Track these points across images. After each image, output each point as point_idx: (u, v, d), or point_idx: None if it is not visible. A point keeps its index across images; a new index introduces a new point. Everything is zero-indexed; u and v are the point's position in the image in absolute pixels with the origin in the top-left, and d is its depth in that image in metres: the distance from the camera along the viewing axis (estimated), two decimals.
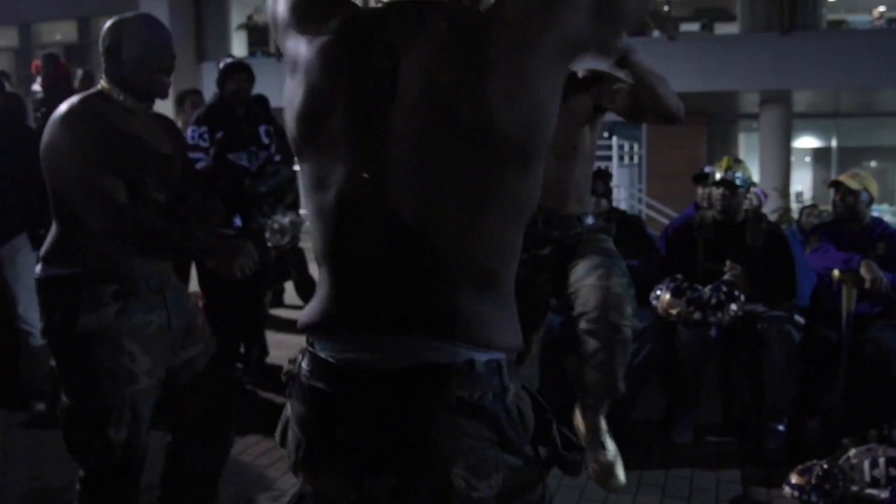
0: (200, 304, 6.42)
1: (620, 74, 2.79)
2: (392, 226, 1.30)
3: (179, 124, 5.91)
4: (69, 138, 2.55)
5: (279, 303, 7.53)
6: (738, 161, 4.53)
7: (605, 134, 13.02)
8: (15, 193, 4.51)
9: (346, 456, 1.33)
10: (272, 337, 5.77)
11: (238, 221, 5.01)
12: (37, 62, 6.29)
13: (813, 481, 3.47)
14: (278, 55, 16.10)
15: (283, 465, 4.03)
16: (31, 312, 4.79)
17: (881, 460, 3.45)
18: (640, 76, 2.76)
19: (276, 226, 4.89)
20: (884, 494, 3.36)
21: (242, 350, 5.44)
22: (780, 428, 4.17)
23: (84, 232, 2.59)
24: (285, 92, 1.42)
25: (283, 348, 5.66)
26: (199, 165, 4.89)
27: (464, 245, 1.29)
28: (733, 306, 4.06)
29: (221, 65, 5.02)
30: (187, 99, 6.02)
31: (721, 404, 4.60)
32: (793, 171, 15.95)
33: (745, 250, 4.37)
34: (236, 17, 18.49)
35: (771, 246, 4.41)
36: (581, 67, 2.87)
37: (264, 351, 5.54)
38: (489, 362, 1.32)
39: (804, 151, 18.89)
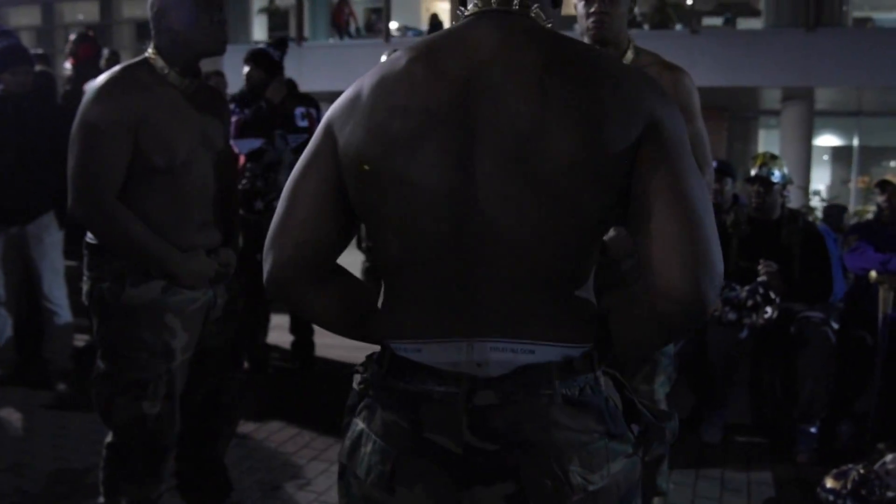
0: None
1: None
2: (480, 233, 1.28)
3: None
4: (86, 104, 2.52)
5: None
6: (774, 157, 4.48)
7: None
8: (43, 171, 4.48)
9: (448, 464, 1.30)
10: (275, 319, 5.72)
11: (259, 205, 5.01)
12: (70, 41, 6.24)
13: (848, 486, 3.42)
14: (299, 39, 16.11)
15: (307, 452, 4.02)
16: (55, 291, 4.77)
17: None
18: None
19: None
20: None
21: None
22: (812, 430, 4.12)
23: (138, 204, 2.55)
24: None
25: (282, 331, 5.60)
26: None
27: (549, 250, 1.28)
28: (768, 309, 4.01)
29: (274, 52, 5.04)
30: (209, 80, 5.99)
31: (750, 404, 4.55)
32: (812, 169, 15.84)
33: (779, 249, 4.31)
34: (258, 2, 18.45)
35: (807, 244, 4.34)
36: None
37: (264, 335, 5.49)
38: (583, 356, 1.33)
39: (823, 149, 18.74)
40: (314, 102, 5.15)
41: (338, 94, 1.47)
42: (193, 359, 2.75)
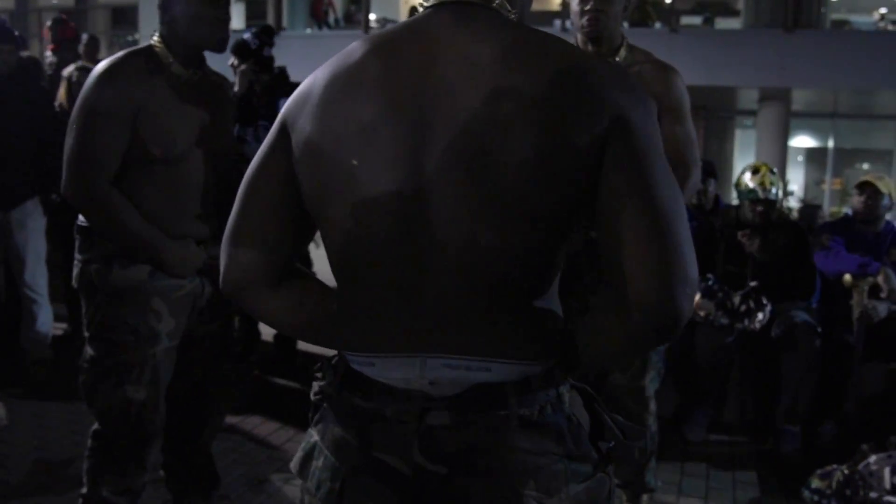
0: None
1: None
2: (429, 237, 1.20)
3: None
4: (87, 89, 2.50)
5: None
6: (773, 172, 4.46)
7: None
8: (27, 156, 4.40)
9: (397, 485, 1.24)
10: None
11: None
12: (47, 28, 6.15)
13: (833, 486, 3.45)
14: (276, 29, 15.96)
15: (293, 445, 3.99)
16: (38, 279, 4.71)
17: None
18: None
19: None
20: None
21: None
22: (796, 430, 4.15)
23: (132, 191, 2.53)
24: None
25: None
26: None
27: (504, 257, 1.19)
28: (760, 315, 4.04)
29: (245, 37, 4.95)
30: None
31: (734, 404, 4.57)
32: (787, 169, 15.98)
33: (768, 250, 4.33)
34: None
35: (792, 243, 4.36)
36: None
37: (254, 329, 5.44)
38: (543, 373, 1.25)
39: (798, 150, 18.92)
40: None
41: None
42: (181, 348, 2.72)
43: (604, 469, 1.31)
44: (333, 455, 1.29)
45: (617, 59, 2.80)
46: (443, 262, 1.20)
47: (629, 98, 1.20)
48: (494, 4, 1.29)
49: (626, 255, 1.16)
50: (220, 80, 2.81)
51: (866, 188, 4.47)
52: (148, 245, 2.55)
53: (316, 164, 1.26)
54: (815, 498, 3.46)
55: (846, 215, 5.06)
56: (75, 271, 2.66)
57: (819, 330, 4.28)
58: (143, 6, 15.24)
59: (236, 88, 4.96)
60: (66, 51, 5.87)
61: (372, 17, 17.10)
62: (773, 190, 4.35)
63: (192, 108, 2.60)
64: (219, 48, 2.64)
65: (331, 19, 18.50)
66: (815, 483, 3.50)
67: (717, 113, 17.40)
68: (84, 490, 2.70)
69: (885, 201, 4.46)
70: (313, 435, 1.35)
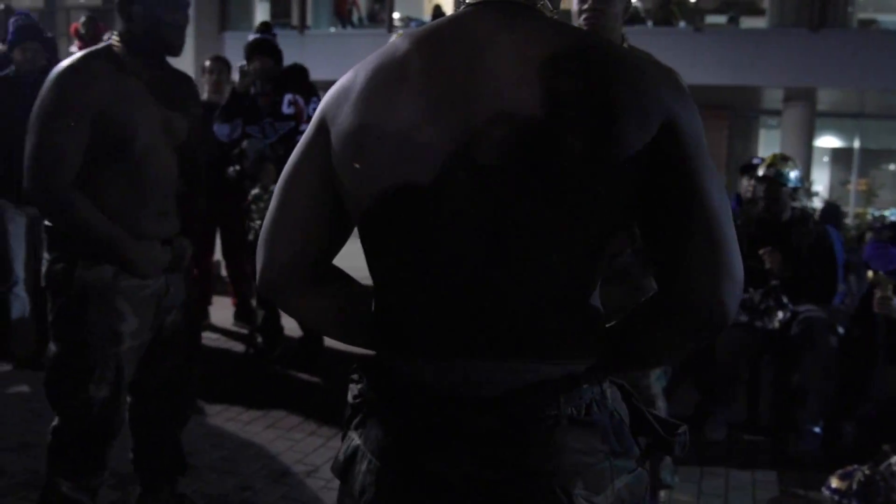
0: (224, 271, 6.48)
1: None
2: (478, 236, 1.19)
3: (205, 90, 5.91)
4: (46, 89, 2.52)
5: None
6: (784, 158, 4.48)
7: None
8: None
9: (442, 491, 1.22)
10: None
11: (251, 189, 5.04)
12: (76, 25, 6.22)
13: (854, 486, 3.44)
14: (301, 27, 16.06)
15: (314, 439, 4.04)
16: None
17: None
18: None
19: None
20: None
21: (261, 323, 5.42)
22: (816, 430, 4.14)
23: (95, 190, 2.54)
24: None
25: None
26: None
27: (555, 255, 1.20)
28: (780, 314, 4.03)
29: (250, 37, 5.00)
30: (211, 65, 5.99)
31: (754, 403, 4.57)
32: (812, 170, 15.87)
33: (789, 249, 4.32)
34: None
35: (816, 246, 4.36)
36: None
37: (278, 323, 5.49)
38: (589, 370, 1.26)
39: (824, 151, 18.76)
40: (306, 87, 5.10)
41: None
42: (148, 346, 2.74)
43: (643, 464, 1.32)
44: (379, 460, 1.28)
45: None
46: (493, 262, 1.19)
47: (678, 99, 1.21)
48: (539, 5, 1.28)
49: (676, 256, 1.18)
50: (182, 77, 2.83)
51: None
52: (112, 245, 2.56)
53: (357, 158, 1.24)
54: (836, 498, 3.45)
55: None
56: (43, 270, 2.67)
57: (840, 329, 4.26)
58: None
59: (237, 86, 5.04)
60: None
61: (396, 15, 17.15)
62: (779, 172, 4.34)
63: (153, 107, 2.62)
64: (175, 52, 2.67)
65: (355, 18, 18.54)
66: (836, 483, 3.49)
67: (742, 113, 17.30)
68: (44, 485, 2.71)
69: None
70: (354, 438, 1.33)
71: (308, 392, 4.82)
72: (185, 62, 14.84)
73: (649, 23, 15.92)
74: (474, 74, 1.20)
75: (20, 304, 4.85)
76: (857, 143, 17.68)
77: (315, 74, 5.25)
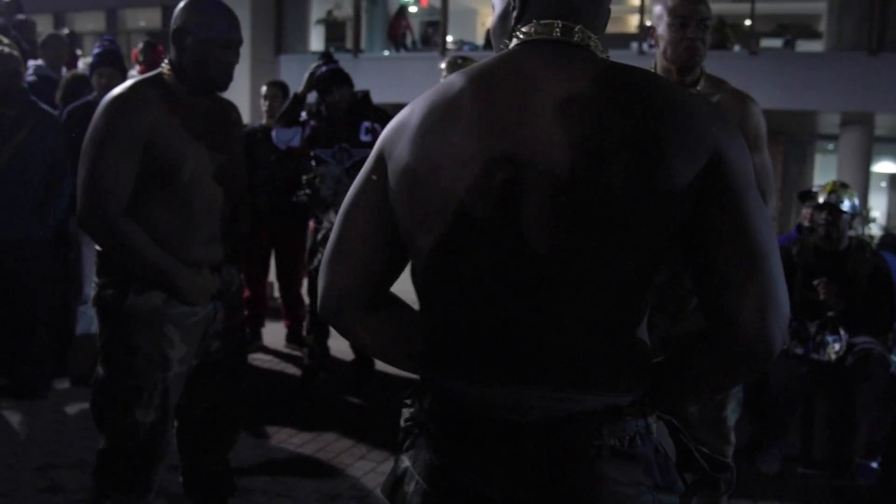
0: (278, 293, 6.55)
1: None
2: (527, 268, 1.23)
3: (264, 113, 6.00)
4: (97, 118, 2.56)
5: None
6: (844, 186, 4.42)
7: None
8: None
9: None
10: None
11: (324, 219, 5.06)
12: (136, 51, 6.38)
13: None
14: (355, 51, 16.26)
15: (364, 463, 4.06)
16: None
17: None
18: None
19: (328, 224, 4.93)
20: None
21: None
22: (874, 465, 4.06)
23: (145, 216, 2.58)
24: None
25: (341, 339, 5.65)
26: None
27: (602, 289, 1.23)
28: (836, 346, 3.97)
29: (324, 69, 5.02)
30: (268, 91, 6.06)
31: (809, 436, 4.49)
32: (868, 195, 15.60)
33: (846, 279, 4.26)
34: (316, 12, 18.66)
35: (874, 276, 4.29)
36: None
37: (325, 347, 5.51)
38: (634, 403, 1.28)
39: (881, 176, 18.46)
40: (384, 115, 5.14)
41: (392, 105, 1.46)
42: (195, 372, 2.77)
43: (688, 500, 1.33)
44: (426, 481, 1.32)
45: (697, 88, 2.80)
46: (541, 292, 1.23)
47: (725, 133, 1.24)
48: (591, 44, 1.33)
49: (723, 290, 1.20)
50: (228, 106, 2.86)
51: None
52: (162, 273, 2.59)
53: (412, 192, 1.30)
54: None
55: None
56: (93, 293, 2.72)
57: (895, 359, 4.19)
58: None
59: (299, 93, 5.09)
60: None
61: (449, 38, 17.28)
62: (840, 199, 4.29)
63: (201, 134, 2.65)
64: (220, 88, 2.71)
65: (408, 42, 18.73)
66: None
67: (798, 137, 17.09)
68: None
69: None
70: (404, 460, 1.38)
71: (359, 416, 4.85)
72: (241, 85, 15.13)
73: None
74: (525, 113, 1.24)
75: (86, 321, 4.98)
76: None
77: (370, 98, 5.30)
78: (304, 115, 5.10)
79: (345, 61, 5.28)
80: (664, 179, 1.19)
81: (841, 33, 14.95)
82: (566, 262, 1.22)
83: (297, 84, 5.22)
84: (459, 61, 5.22)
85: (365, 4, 17.85)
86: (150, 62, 6.15)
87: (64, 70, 6.70)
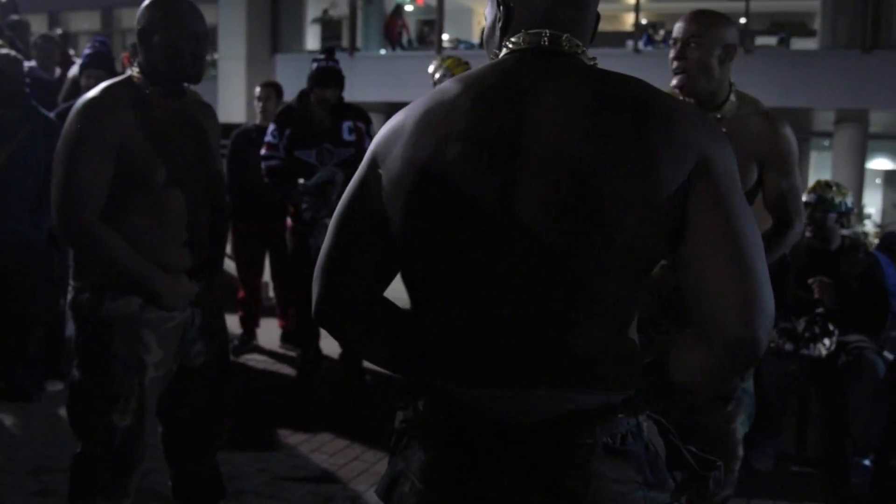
0: (272, 293, 6.55)
1: None
2: (524, 271, 1.26)
3: (258, 113, 6.00)
4: (69, 122, 2.52)
5: None
6: (828, 185, 4.40)
7: None
8: None
9: None
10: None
11: (307, 215, 4.99)
12: (126, 55, 6.35)
13: None
14: (351, 50, 16.27)
15: (358, 464, 4.06)
16: None
17: None
18: None
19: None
20: None
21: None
22: (866, 463, 4.07)
23: (121, 222, 2.55)
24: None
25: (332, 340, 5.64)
26: (271, 164, 4.99)
27: (598, 292, 1.27)
28: (826, 341, 3.98)
29: (315, 65, 5.00)
30: (261, 92, 6.05)
31: (802, 433, 4.50)
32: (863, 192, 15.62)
33: (838, 279, 4.26)
34: (312, 11, 18.67)
35: (866, 275, 4.29)
36: None
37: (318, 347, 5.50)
38: (626, 402, 1.31)
39: (876, 173, 18.48)
40: (363, 115, 5.13)
41: (388, 104, 1.47)
42: (177, 377, 2.74)
43: (678, 498, 1.36)
44: (421, 482, 1.33)
45: (726, 107, 2.73)
46: (537, 296, 1.26)
47: (712, 139, 1.28)
48: (579, 54, 1.36)
49: (710, 291, 1.24)
50: (202, 108, 2.82)
51: None
52: (140, 279, 2.56)
53: (408, 197, 1.31)
54: None
55: None
56: (69, 297, 2.68)
57: (889, 356, 4.19)
58: (222, 26, 15.67)
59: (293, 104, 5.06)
60: None
61: (445, 37, 17.29)
62: (829, 198, 4.28)
63: (175, 136, 2.62)
64: (194, 80, 2.67)
65: (404, 40, 18.74)
66: None
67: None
68: None
69: None
70: (399, 462, 1.39)
71: (354, 418, 4.85)
72: (237, 85, 15.15)
73: None
74: (518, 121, 1.27)
75: None
76: None
77: (365, 96, 5.31)
78: (270, 131, 5.08)
79: (341, 60, 5.25)
80: (656, 189, 1.23)
81: (835, 31, 15.01)
82: (562, 266, 1.24)
83: (292, 84, 5.20)
84: (447, 65, 5.20)
85: (361, 3, 17.88)
86: None
87: (57, 71, 6.69)
